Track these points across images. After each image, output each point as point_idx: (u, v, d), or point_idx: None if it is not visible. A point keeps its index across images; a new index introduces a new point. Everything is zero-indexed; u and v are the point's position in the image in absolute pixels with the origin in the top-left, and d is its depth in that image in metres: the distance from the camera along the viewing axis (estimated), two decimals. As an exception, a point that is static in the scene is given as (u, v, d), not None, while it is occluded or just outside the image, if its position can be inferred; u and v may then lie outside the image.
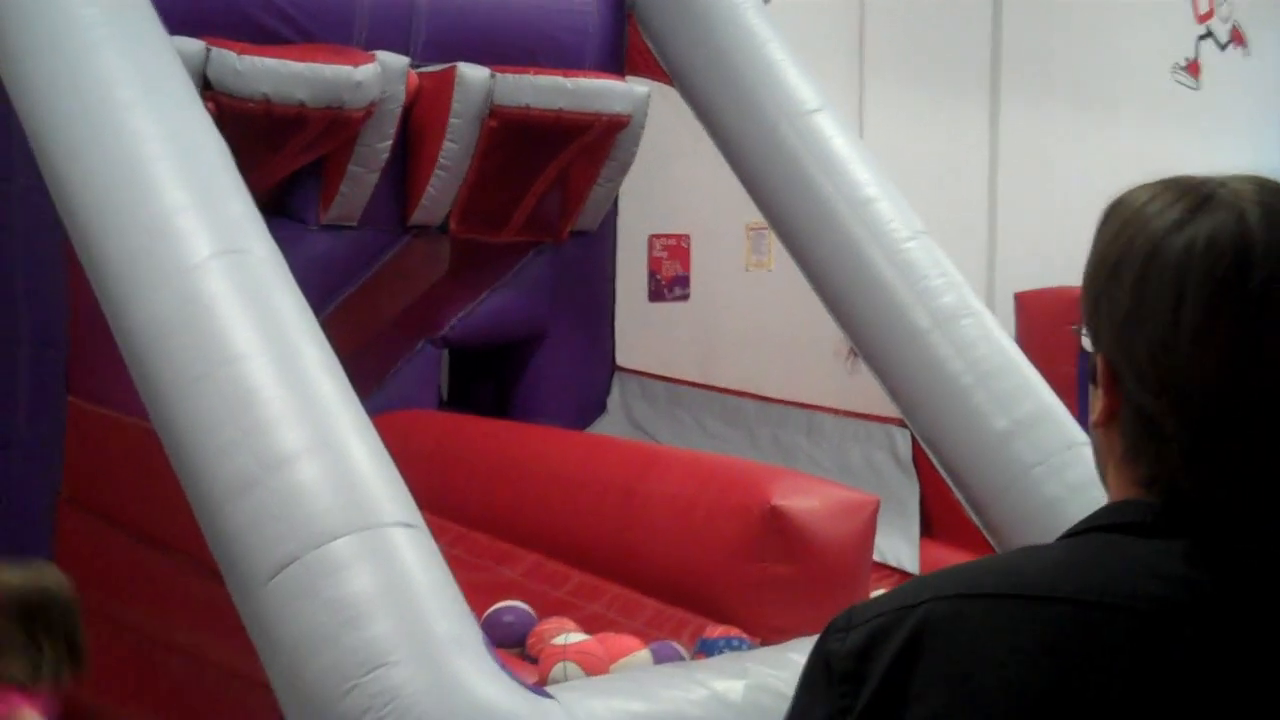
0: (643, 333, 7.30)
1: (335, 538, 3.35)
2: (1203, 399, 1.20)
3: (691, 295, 7.86)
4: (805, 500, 4.10)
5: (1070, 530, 1.32)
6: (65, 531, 5.14)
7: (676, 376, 6.61)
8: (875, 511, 4.24)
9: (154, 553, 4.55)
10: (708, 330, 7.84)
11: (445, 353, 6.54)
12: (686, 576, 4.25)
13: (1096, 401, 1.30)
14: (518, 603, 4.28)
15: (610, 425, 6.37)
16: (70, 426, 5.10)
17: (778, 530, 4.05)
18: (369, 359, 5.88)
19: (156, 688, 4.65)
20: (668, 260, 7.76)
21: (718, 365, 7.54)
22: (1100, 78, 9.68)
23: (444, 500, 5.15)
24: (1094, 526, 1.28)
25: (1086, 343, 1.35)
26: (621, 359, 6.76)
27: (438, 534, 5.05)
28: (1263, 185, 1.25)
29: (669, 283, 7.75)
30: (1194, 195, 1.25)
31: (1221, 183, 1.26)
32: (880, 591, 4.50)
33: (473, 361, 6.59)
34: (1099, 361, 1.29)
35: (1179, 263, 1.21)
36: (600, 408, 6.48)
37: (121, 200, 3.90)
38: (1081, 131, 9.58)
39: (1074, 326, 1.48)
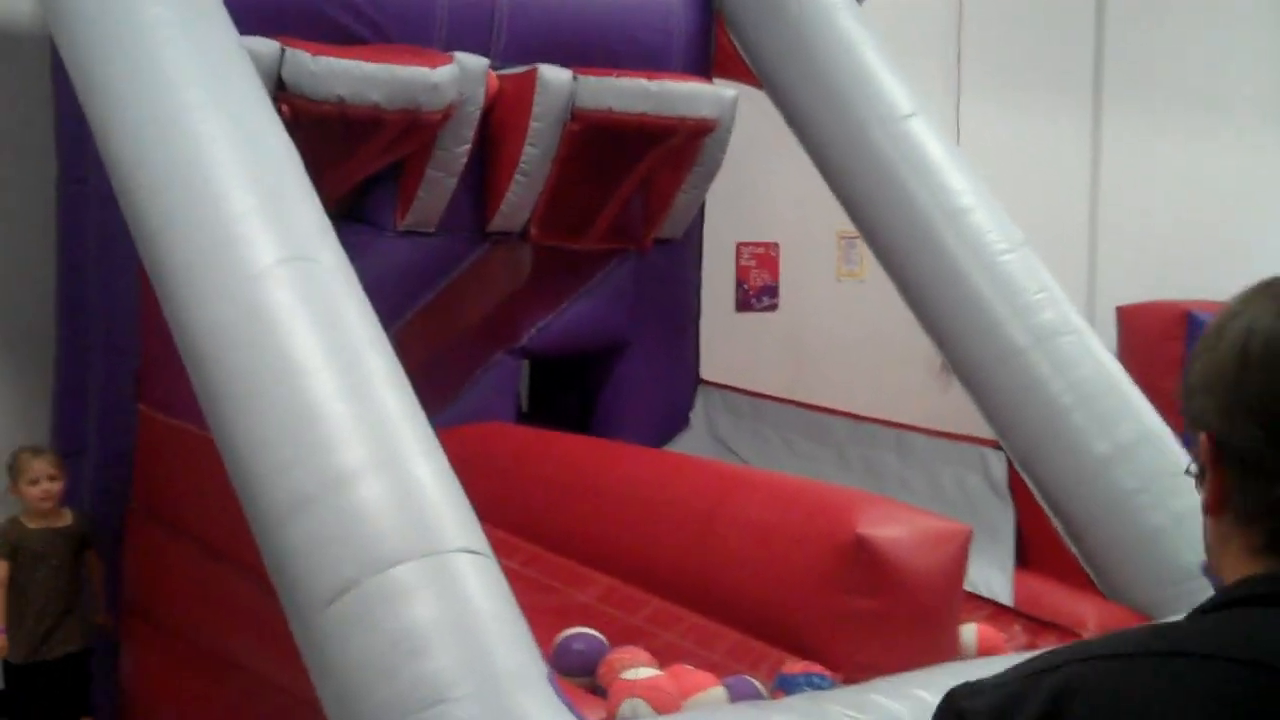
0: (729, 344, 7.10)
1: (397, 563, 3.19)
2: None
3: (780, 305, 7.66)
4: (893, 529, 3.88)
5: (1201, 608, 1.29)
6: (134, 541, 5.05)
7: (764, 389, 6.40)
8: (967, 541, 4.01)
9: (219, 566, 4.42)
10: (797, 342, 7.63)
11: (526, 363, 6.38)
12: (767, 607, 4.05)
13: (1205, 491, 1.32)
14: (589, 630, 4.09)
15: (693, 440, 6.17)
16: (140, 435, 5.00)
17: (863, 560, 3.84)
18: (446, 369, 5.74)
19: (217, 704, 4.53)
20: (756, 269, 7.56)
21: (807, 378, 7.33)
22: (1208, 81, 9.33)
23: (518, 517, 4.99)
24: (1229, 601, 1.27)
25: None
26: (707, 371, 6.56)
27: (510, 553, 4.90)
28: None
29: (757, 292, 7.55)
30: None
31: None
32: (970, 625, 4.28)
33: (554, 372, 6.44)
34: (1203, 442, 1.31)
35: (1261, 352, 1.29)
36: (683, 421, 6.29)
37: (185, 204, 3.78)
38: (1188, 138, 9.24)
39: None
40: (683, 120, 5.60)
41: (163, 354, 4.54)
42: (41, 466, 4.92)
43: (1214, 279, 7.36)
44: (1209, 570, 1.36)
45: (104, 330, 5.07)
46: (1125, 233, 8.94)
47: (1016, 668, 1.30)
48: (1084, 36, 8.87)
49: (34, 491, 4.90)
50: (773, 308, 7.61)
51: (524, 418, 6.30)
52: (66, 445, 5.20)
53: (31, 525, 4.93)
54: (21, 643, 4.87)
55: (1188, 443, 1.36)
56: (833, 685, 3.70)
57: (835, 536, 3.89)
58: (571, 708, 3.08)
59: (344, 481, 3.31)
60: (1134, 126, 9.00)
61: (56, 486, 4.93)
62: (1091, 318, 8.50)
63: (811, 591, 3.93)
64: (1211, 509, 1.31)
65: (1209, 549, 1.34)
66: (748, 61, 5.94)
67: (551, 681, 3.12)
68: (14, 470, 4.94)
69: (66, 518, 4.99)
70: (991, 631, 4.38)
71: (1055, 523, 4.92)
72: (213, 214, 3.75)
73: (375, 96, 4.87)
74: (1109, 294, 8.77)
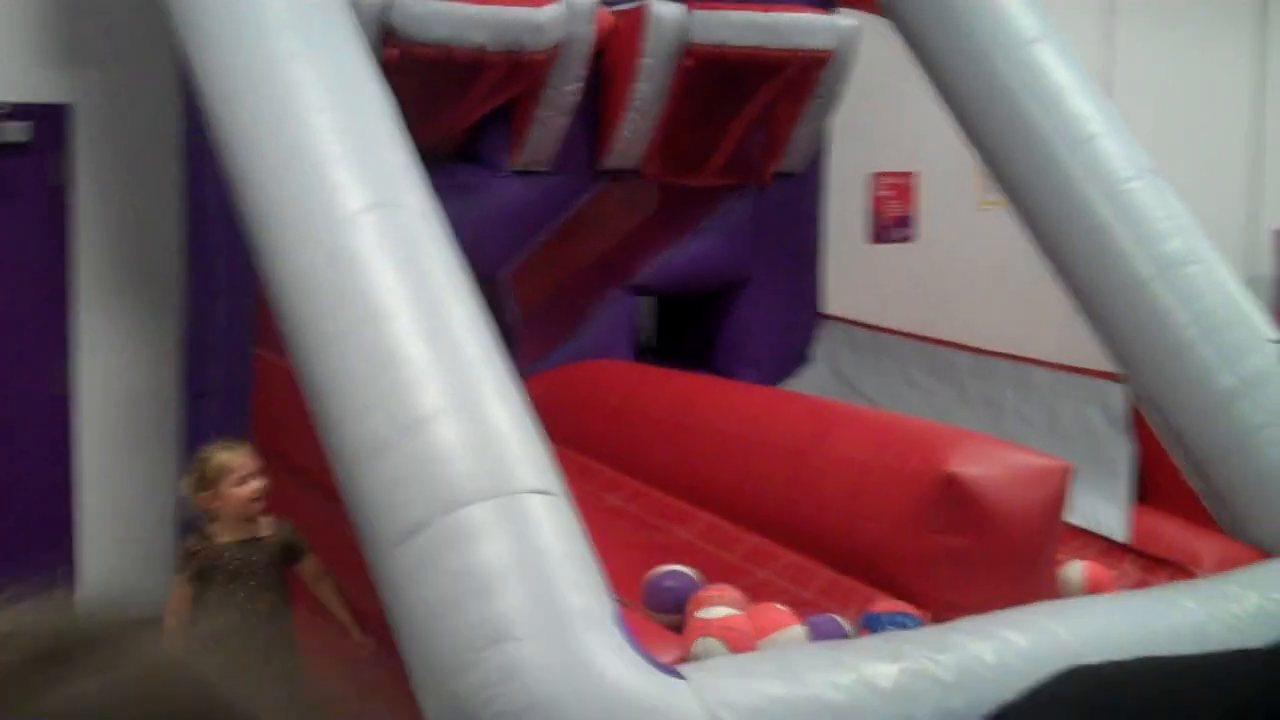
0: (863, 277, 7.00)
1: (468, 504, 3.25)
2: None
3: (916, 236, 7.51)
4: (985, 467, 3.81)
5: None
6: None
7: (898, 323, 6.30)
8: (1066, 479, 3.91)
9: (330, 505, 4.53)
10: (933, 273, 7.48)
11: (654, 300, 6.39)
12: (859, 544, 4.01)
13: None
14: (681, 567, 4.09)
15: (815, 375, 6.12)
16: (256, 377, 5.13)
17: (954, 499, 3.77)
18: (564, 306, 5.78)
19: (333, 643, 4.66)
20: (891, 200, 7.42)
21: (944, 311, 7.19)
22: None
23: (627, 453, 5.02)
24: None
25: None
26: (840, 305, 6.48)
27: (616, 489, 4.94)
28: None
29: (892, 223, 7.42)
30: None
31: None
32: (1077, 563, 4.18)
33: (680, 308, 6.43)
34: None
35: None
36: (805, 357, 6.23)
37: (276, 150, 3.86)
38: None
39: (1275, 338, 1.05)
40: (796, 52, 5.51)
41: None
42: (246, 460, 3.92)
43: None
44: None
45: (225, 274, 5.21)
46: (1290, 154, 8.56)
47: None
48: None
49: (243, 492, 3.88)
50: (908, 239, 7.47)
51: (650, 353, 6.31)
52: (193, 389, 5.37)
53: (224, 539, 3.90)
54: None
55: None
56: (920, 625, 3.66)
57: (926, 473, 3.83)
58: (638, 648, 3.10)
59: (420, 424, 3.37)
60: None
61: (264, 484, 3.95)
62: (1254, 243, 8.18)
63: (902, 529, 3.88)
64: None
65: None
66: (868, -12, 5.82)
67: (619, 622, 3.13)
68: (209, 473, 3.90)
69: (265, 525, 3.99)
70: (1100, 569, 4.28)
71: (1177, 458, 4.76)
72: (301, 160, 3.82)
73: (479, 38, 4.89)
74: (1272, 219, 8.41)
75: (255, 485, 3.92)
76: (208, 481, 3.91)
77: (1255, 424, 4.56)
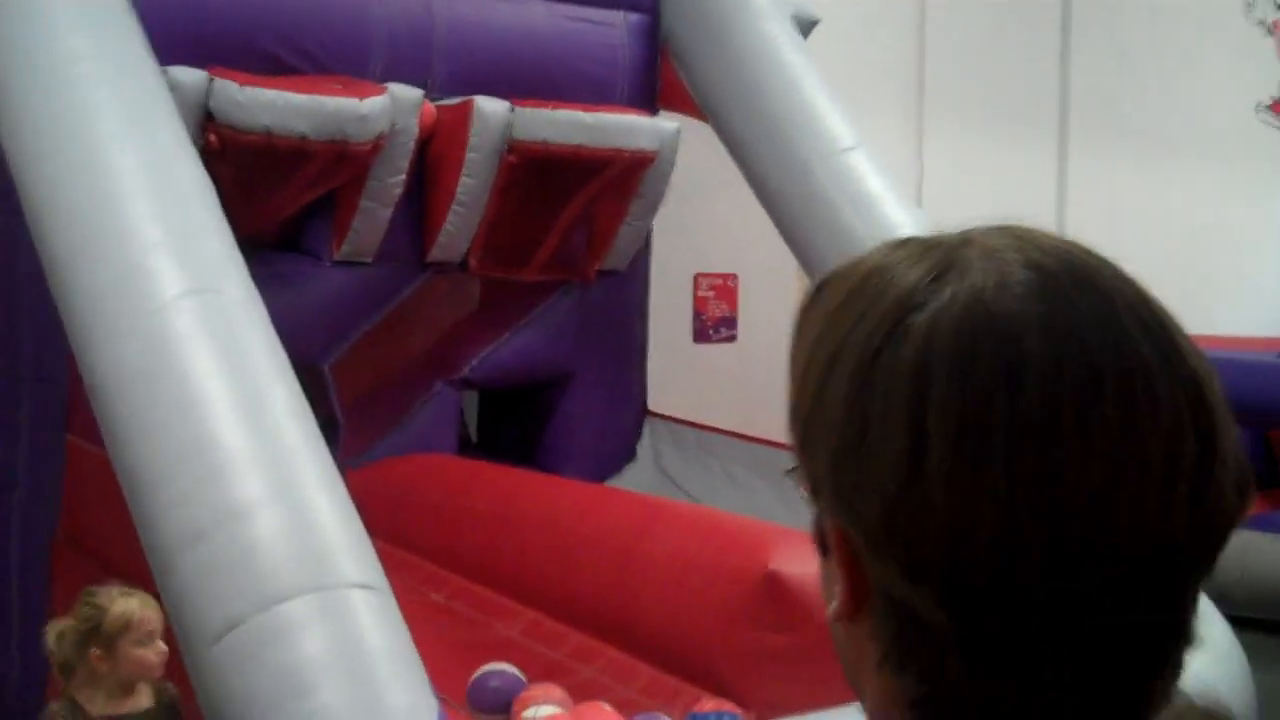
0: (686, 375, 7.06)
1: (287, 599, 3.15)
2: (978, 576, 0.76)
3: (739, 336, 7.62)
4: (806, 565, 3.83)
5: None
6: (61, 575, 5.00)
7: (720, 421, 6.36)
8: (886, 577, 3.96)
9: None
10: (754, 373, 7.58)
11: (475, 394, 6.35)
12: (683, 642, 4.00)
13: (831, 580, 0.84)
14: (506, 666, 4.05)
15: (639, 473, 6.13)
16: (69, 466, 4.96)
17: (775, 596, 3.80)
18: (386, 399, 5.71)
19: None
20: (714, 300, 7.53)
21: (764, 409, 7.27)
22: (1176, 119, 9.31)
23: (449, 550, 4.96)
24: None
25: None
26: (664, 402, 6.52)
27: (439, 585, 4.87)
28: (1023, 240, 0.82)
29: (715, 323, 7.52)
30: (933, 256, 0.81)
31: (965, 240, 0.83)
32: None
33: (503, 403, 6.40)
34: (828, 524, 0.82)
35: (913, 365, 0.77)
36: (630, 453, 6.25)
37: (92, 235, 3.75)
38: (1155, 175, 9.22)
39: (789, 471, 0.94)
40: (619, 152, 5.57)
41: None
42: (153, 614, 3.24)
43: (1178, 316, 7.32)
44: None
45: (35, 359, 5.04)
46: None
47: None
48: (1048, 72, 8.87)
49: (146, 656, 3.24)
50: (731, 339, 7.58)
51: (473, 449, 6.27)
52: (-4, 479, 5.16)
53: (98, 709, 3.25)
54: None
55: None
56: (742, 723, 3.66)
57: (747, 571, 3.85)
58: (460, 746, 3.04)
59: (238, 514, 3.27)
60: (1100, 164, 8.98)
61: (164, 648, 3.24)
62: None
63: (724, 627, 3.89)
64: (845, 615, 0.82)
65: (841, 652, 0.86)
66: (692, 94, 5.92)
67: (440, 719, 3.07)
68: (108, 625, 3.19)
69: (145, 695, 3.34)
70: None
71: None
72: (119, 246, 3.72)
73: (302, 127, 4.84)
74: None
75: (160, 648, 3.18)
76: (103, 636, 3.16)
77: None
